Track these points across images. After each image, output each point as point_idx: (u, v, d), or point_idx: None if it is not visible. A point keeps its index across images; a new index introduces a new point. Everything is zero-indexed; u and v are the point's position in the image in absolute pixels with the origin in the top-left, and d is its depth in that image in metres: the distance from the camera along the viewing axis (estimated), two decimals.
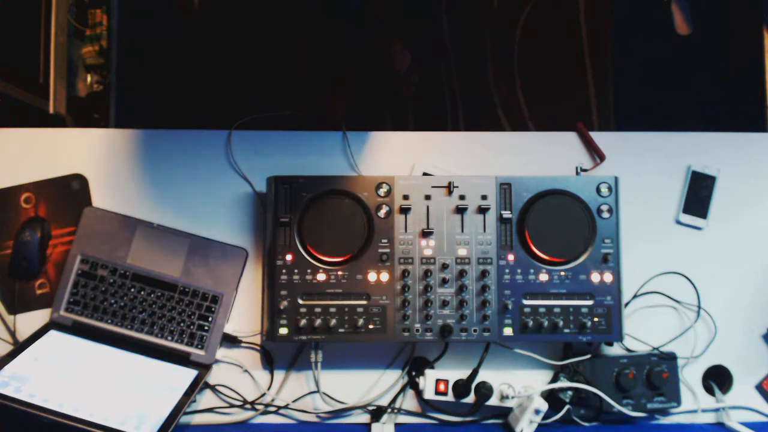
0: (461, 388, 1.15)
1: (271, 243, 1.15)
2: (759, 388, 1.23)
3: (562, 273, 1.15)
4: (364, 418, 1.20)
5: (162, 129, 1.26)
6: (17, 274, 1.20)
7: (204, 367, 1.17)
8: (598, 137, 1.26)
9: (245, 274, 1.21)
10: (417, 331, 1.13)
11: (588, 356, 1.17)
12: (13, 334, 1.19)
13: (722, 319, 1.23)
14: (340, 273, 1.14)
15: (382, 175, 1.16)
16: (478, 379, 1.16)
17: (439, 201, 1.15)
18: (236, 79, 1.97)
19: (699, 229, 1.25)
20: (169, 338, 1.18)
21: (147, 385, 1.09)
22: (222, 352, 1.20)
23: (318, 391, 1.18)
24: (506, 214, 1.15)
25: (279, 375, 1.20)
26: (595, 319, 1.14)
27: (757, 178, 1.27)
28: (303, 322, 1.12)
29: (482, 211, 1.15)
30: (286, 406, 1.19)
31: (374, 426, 1.16)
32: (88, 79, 1.90)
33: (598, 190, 1.16)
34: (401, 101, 2.04)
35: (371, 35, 2.06)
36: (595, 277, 1.15)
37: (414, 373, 1.20)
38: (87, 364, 1.10)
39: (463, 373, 1.17)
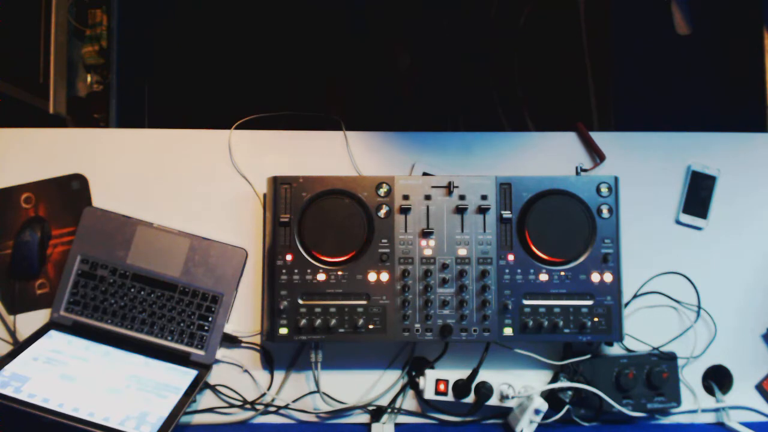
0: (461, 388, 1.15)
1: (271, 243, 1.15)
2: (759, 388, 1.23)
3: (562, 273, 1.15)
4: (364, 418, 1.20)
5: (162, 129, 1.26)
6: (17, 274, 1.20)
7: (204, 367, 1.16)
8: (598, 137, 1.26)
9: (245, 274, 1.21)
10: (417, 331, 1.13)
11: (588, 356, 1.17)
12: (13, 334, 1.19)
13: (722, 319, 1.23)
14: (340, 273, 1.14)
15: (382, 175, 1.16)
16: (478, 379, 1.16)
17: (439, 201, 1.15)
18: (236, 79, 1.97)
19: (699, 229, 1.25)
20: (169, 338, 1.18)
21: (147, 385, 1.09)
22: (222, 352, 1.20)
23: (318, 391, 1.18)
24: (506, 214, 1.15)
25: (279, 375, 1.20)
26: (595, 319, 1.14)
27: (757, 178, 1.27)
28: (303, 322, 1.12)
29: (482, 211, 1.15)
30: (286, 406, 1.19)
31: (374, 426, 1.16)
32: (88, 79, 1.90)
33: (598, 190, 1.16)
34: (401, 101, 2.04)
35: (372, 35, 2.06)
36: (595, 277, 1.15)
37: (414, 373, 1.20)
38: (87, 364, 1.10)
39: (463, 373, 1.17)
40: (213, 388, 1.19)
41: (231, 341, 1.20)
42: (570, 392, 1.15)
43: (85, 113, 1.88)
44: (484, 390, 1.14)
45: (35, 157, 1.23)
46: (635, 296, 1.23)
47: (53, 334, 1.15)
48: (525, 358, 1.19)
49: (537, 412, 1.11)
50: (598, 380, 1.16)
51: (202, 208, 1.23)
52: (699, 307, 1.23)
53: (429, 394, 1.16)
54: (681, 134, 1.28)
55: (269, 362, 1.20)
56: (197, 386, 1.12)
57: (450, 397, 1.16)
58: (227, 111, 1.29)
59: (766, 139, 1.29)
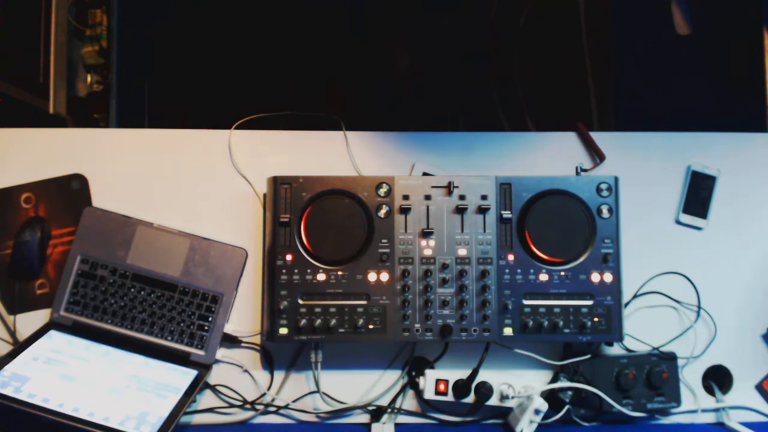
0: (461, 388, 1.15)
1: (271, 243, 1.15)
2: (759, 388, 1.23)
3: (562, 273, 1.15)
4: (364, 418, 1.20)
5: (162, 129, 1.26)
6: (17, 274, 1.20)
7: (204, 367, 1.16)
8: (598, 137, 1.26)
9: (245, 274, 1.21)
10: (417, 331, 1.13)
11: (588, 356, 1.17)
12: (13, 334, 1.19)
13: (722, 319, 1.23)
14: (340, 273, 1.14)
15: (382, 175, 1.16)
16: (478, 379, 1.16)
17: (439, 201, 1.15)
18: (236, 79, 1.97)
19: (699, 229, 1.25)
20: (169, 338, 1.18)
21: (147, 385, 1.09)
22: (222, 352, 1.20)
23: (318, 391, 1.18)
24: (506, 214, 1.15)
25: (279, 375, 1.20)
26: (595, 319, 1.14)
27: (757, 178, 1.27)
28: (303, 322, 1.12)
29: (482, 211, 1.15)
30: (286, 406, 1.19)
31: (374, 426, 1.16)
32: (88, 79, 1.90)
33: (598, 190, 1.16)
34: (401, 101, 2.04)
35: (372, 35, 2.06)
36: (595, 277, 1.15)
37: (414, 373, 1.20)
38: (87, 364, 1.10)
39: (463, 373, 1.17)
40: (213, 388, 1.19)
41: (231, 341, 1.20)
42: (570, 392, 1.15)
43: (85, 113, 1.88)
44: (484, 390, 1.14)
45: (35, 157, 1.23)
46: (635, 296, 1.23)
47: (53, 334, 1.15)
48: (525, 358, 1.19)
49: (537, 412, 1.11)
50: (598, 380, 1.16)
51: (202, 208, 1.23)
52: (699, 307, 1.23)
53: (429, 394, 1.16)
54: (681, 134, 1.28)
55: (269, 362, 1.20)
56: (197, 386, 1.12)
57: (450, 397, 1.16)
58: (227, 111, 1.29)
59: (766, 139, 1.29)
